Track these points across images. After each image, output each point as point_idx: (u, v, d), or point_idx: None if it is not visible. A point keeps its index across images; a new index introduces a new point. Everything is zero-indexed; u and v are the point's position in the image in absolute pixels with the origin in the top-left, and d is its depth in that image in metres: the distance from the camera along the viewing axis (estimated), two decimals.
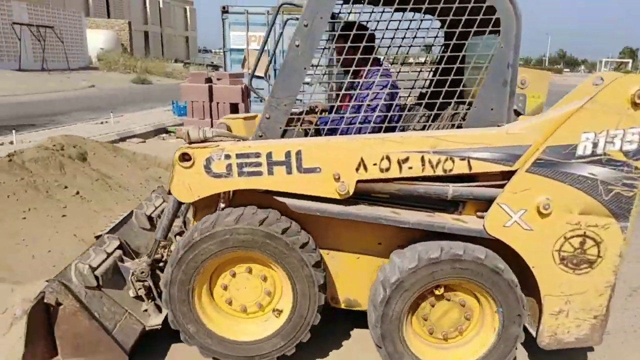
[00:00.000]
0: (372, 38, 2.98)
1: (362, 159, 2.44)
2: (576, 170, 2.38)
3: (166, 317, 2.68)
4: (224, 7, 9.82)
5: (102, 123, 9.48)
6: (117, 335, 2.54)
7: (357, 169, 2.44)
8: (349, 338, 3.09)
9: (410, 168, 2.43)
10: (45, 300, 2.36)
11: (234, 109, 8.83)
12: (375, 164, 2.44)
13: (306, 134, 3.06)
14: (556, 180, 2.40)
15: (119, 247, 2.99)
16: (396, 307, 2.49)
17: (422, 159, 2.42)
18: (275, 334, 2.61)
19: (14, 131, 8.25)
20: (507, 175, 2.45)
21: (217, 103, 8.88)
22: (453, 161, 2.42)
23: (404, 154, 2.43)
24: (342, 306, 2.89)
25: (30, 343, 2.30)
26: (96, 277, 2.65)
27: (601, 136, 2.33)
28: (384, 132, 2.61)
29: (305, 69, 2.50)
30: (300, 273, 2.51)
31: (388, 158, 2.42)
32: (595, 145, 2.34)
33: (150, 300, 2.82)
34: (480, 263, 2.45)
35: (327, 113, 3.50)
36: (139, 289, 2.79)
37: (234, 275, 2.63)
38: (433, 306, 2.62)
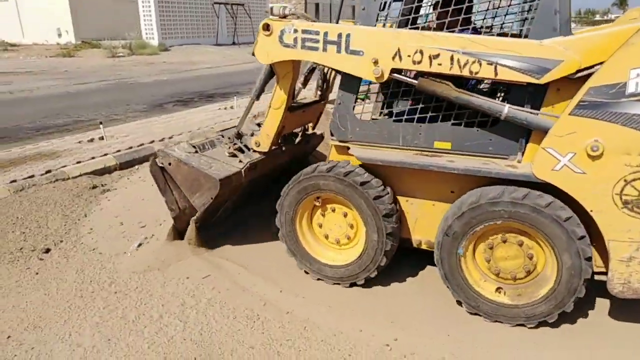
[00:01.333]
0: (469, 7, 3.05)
1: (398, 49, 2.75)
2: (629, 109, 2.28)
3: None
4: None
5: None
6: (211, 171, 3.35)
7: (393, 58, 2.78)
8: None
9: (440, 65, 2.65)
10: (158, 164, 3.47)
11: None
12: (409, 56, 2.73)
13: None
14: (605, 121, 2.34)
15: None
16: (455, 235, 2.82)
17: (452, 57, 2.62)
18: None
19: (235, 97, 9.72)
20: (534, 91, 2.51)
21: None
22: (480, 64, 2.56)
23: (435, 50, 2.66)
24: (424, 247, 3.30)
25: (164, 194, 3.50)
26: (193, 146, 3.57)
27: None
28: None
29: None
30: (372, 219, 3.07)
31: (421, 52, 2.69)
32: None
33: (243, 154, 3.57)
34: (518, 202, 2.59)
35: None
36: (234, 147, 3.58)
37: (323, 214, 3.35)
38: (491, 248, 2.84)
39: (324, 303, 3.13)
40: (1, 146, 6.41)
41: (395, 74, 2.85)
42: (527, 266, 2.79)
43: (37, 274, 3.44)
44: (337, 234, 3.34)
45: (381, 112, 3.44)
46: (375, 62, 2.82)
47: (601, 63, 2.34)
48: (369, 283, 3.28)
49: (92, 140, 6.25)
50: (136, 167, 5.53)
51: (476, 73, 2.59)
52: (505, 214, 2.65)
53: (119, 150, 5.67)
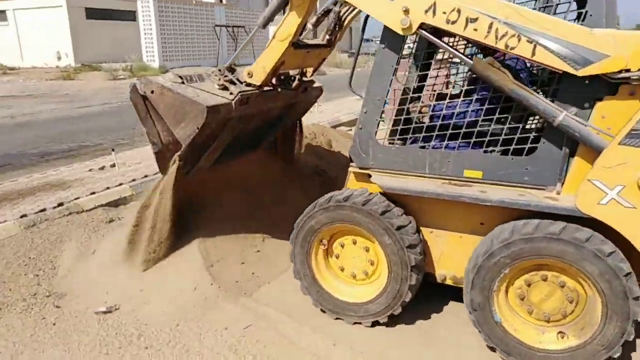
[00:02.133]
0: None
1: (434, 3, 2.50)
2: None
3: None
4: None
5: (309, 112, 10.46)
6: (198, 98, 3.08)
7: (426, 11, 2.53)
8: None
9: (475, 30, 2.43)
10: (139, 91, 3.16)
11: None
12: (444, 12, 2.48)
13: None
14: None
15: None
16: (487, 277, 2.59)
17: (491, 25, 2.39)
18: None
19: None
20: (566, 83, 2.34)
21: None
22: (519, 39, 2.34)
23: (475, 13, 2.42)
24: (449, 283, 3.07)
25: (145, 124, 3.20)
26: (179, 77, 3.26)
27: None
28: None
29: (392, 66, 2.82)
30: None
31: (459, 11, 2.45)
32: None
33: (234, 87, 3.30)
34: (579, 244, 2.36)
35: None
36: (225, 79, 3.29)
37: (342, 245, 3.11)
38: (529, 285, 2.61)
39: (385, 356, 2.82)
40: (6, 175, 6.04)
41: (422, 31, 2.60)
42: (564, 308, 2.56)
43: (54, 324, 3.04)
44: (355, 269, 3.10)
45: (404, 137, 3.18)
46: (406, 11, 2.56)
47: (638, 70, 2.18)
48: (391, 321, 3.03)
49: (103, 168, 5.87)
50: None
51: (512, 48, 2.37)
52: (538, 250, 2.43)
53: (134, 179, 5.28)
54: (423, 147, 2.87)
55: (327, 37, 3.60)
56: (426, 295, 3.16)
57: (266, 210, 4.18)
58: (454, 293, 3.07)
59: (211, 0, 28.63)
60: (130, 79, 19.02)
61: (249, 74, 3.31)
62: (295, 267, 3.19)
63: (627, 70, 2.21)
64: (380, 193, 2.93)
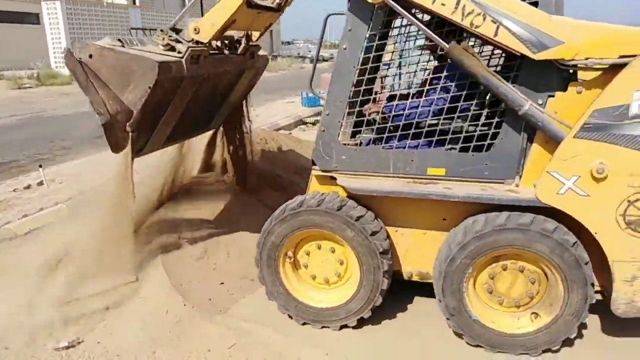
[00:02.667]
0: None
1: None
2: (632, 130, 2.31)
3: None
4: None
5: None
6: (145, 54, 2.86)
7: None
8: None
9: (443, 5, 2.45)
10: (74, 57, 2.82)
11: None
12: None
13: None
14: (609, 143, 2.35)
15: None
16: (454, 281, 2.68)
17: (459, 1, 2.43)
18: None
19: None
20: (520, 65, 2.46)
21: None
22: (484, 19, 2.40)
23: None
24: (416, 279, 3.13)
25: (87, 92, 2.85)
26: (119, 40, 2.98)
27: None
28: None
29: (353, 67, 2.82)
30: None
31: None
32: None
33: (182, 45, 3.03)
34: (525, 228, 2.51)
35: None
36: (170, 39, 3.03)
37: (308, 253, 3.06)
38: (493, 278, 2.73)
39: None
40: None
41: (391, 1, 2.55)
42: (530, 292, 2.72)
43: None
44: (326, 273, 3.06)
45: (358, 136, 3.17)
46: None
47: (588, 59, 2.37)
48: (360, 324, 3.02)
49: (29, 186, 5.24)
50: None
51: (476, 27, 2.43)
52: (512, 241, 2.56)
53: (70, 198, 4.75)
54: (388, 148, 2.89)
55: (277, 1, 3.39)
56: (399, 297, 3.21)
57: (226, 227, 4.01)
58: (423, 289, 3.14)
59: (123, 1, 27.21)
60: (38, 88, 17.53)
61: (195, 29, 3.04)
62: (267, 289, 3.08)
63: (575, 60, 2.37)
64: (348, 197, 2.92)
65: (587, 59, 2.36)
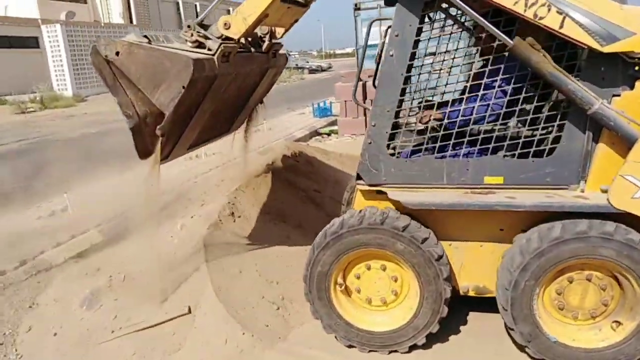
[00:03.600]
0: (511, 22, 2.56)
1: None
2: None
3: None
4: (356, 5, 10.29)
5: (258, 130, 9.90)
6: (179, 52, 2.64)
7: None
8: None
9: None
10: (100, 54, 2.62)
11: None
12: None
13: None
14: None
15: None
16: (525, 287, 2.52)
17: None
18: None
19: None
20: (590, 60, 2.32)
21: (371, 100, 9.09)
22: (549, 9, 2.26)
23: None
24: (472, 294, 2.97)
25: (116, 94, 2.66)
26: (145, 36, 2.80)
27: None
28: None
29: (402, 75, 2.69)
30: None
31: None
32: None
33: (212, 42, 2.83)
34: (610, 238, 2.36)
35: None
36: (199, 35, 2.82)
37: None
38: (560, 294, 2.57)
39: None
40: None
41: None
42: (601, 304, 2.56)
43: None
44: (382, 293, 2.91)
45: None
46: None
47: None
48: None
49: (53, 213, 5.05)
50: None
51: (540, 19, 2.28)
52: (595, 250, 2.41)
53: (99, 224, 4.59)
54: (441, 157, 2.75)
55: None
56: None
57: (273, 250, 3.86)
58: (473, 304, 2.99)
59: (120, 21, 27.26)
60: (42, 111, 17.45)
61: (225, 24, 2.84)
62: (323, 322, 2.93)
63: None
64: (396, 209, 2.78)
65: None
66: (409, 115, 2.82)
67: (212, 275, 3.30)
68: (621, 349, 2.52)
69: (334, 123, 10.32)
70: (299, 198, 4.84)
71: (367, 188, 2.91)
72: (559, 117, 2.54)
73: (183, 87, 2.61)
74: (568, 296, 2.58)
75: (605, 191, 2.46)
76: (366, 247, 2.77)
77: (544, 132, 2.61)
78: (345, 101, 9.02)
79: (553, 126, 2.56)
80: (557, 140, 2.56)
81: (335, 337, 2.96)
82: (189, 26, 2.89)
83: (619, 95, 2.38)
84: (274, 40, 3.56)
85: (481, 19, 2.42)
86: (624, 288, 2.51)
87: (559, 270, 2.53)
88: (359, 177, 2.93)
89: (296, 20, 3.58)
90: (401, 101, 2.80)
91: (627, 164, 2.32)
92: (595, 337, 2.58)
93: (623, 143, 2.38)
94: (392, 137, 2.81)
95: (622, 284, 2.50)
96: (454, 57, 2.91)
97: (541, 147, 2.59)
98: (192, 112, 2.98)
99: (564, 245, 2.44)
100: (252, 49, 3.33)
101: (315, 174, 5.43)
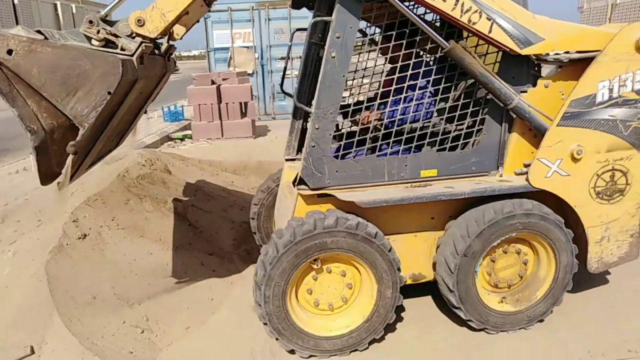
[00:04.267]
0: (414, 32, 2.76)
1: None
2: (598, 115, 2.71)
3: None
4: None
5: None
6: (97, 51, 2.27)
7: None
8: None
9: (444, 1, 2.51)
10: None
11: (244, 108, 8.84)
12: None
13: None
14: (583, 127, 2.72)
15: None
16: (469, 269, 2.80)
17: None
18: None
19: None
20: (506, 59, 2.73)
21: (227, 104, 8.76)
22: (480, 16, 2.53)
23: None
24: (409, 282, 3.14)
25: (13, 104, 2.12)
26: (39, 31, 2.21)
27: (615, 82, 2.65)
28: None
29: (343, 76, 2.67)
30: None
31: None
32: (610, 90, 2.67)
33: (123, 40, 2.41)
34: (530, 213, 2.77)
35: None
36: (107, 32, 2.36)
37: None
38: (494, 262, 2.94)
39: None
40: None
41: None
42: (522, 272, 2.99)
43: None
44: (331, 298, 2.86)
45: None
46: None
47: (561, 53, 2.73)
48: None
49: None
50: None
51: (473, 24, 2.54)
52: (520, 225, 2.78)
53: None
54: (384, 155, 2.83)
55: None
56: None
57: (132, 268, 3.51)
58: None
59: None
60: None
61: (138, 21, 2.43)
62: (263, 309, 2.72)
63: (556, 53, 2.67)
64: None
65: (560, 53, 2.68)
66: (350, 117, 2.83)
67: (58, 306, 2.93)
68: (536, 309, 3.00)
69: (187, 127, 9.75)
70: (157, 209, 4.48)
71: (310, 193, 2.83)
72: (480, 112, 2.86)
73: (109, 92, 2.15)
74: (497, 271, 2.96)
75: (519, 174, 2.88)
76: (336, 251, 2.70)
77: (469, 127, 2.90)
78: (200, 105, 8.57)
79: (476, 121, 2.87)
80: (479, 133, 2.88)
81: (280, 343, 2.83)
82: (90, 22, 2.34)
83: (526, 92, 2.79)
84: (171, 42, 3.15)
85: (421, 22, 2.57)
86: (539, 255, 2.97)
87: (491, 248, 2.86)
88: (301, 182, 2.83)
89: (197, 21, 3.24)
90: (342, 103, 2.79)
91: (542, 149, 2.74)
92: (519, 301, 3.01)
93: (532, 132, 2.82)
94: (335, 139, 2.78)
95: (538, 252, 2.96)
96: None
97: (467, 140, 2.88)
98: (106, 123, 2.47)
99: (497, 225, 2.76)
100: (157, 51, 2.90)
101: (174, 182, 5.10)
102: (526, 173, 2.82)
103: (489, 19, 2.54)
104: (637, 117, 2.72)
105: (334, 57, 2.63)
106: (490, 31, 2.56)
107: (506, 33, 2.56)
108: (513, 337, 2.98)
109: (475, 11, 2.52)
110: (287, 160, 3.57)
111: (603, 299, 3.30)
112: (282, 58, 12.28)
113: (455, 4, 2.50)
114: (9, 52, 2.04)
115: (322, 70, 2.66)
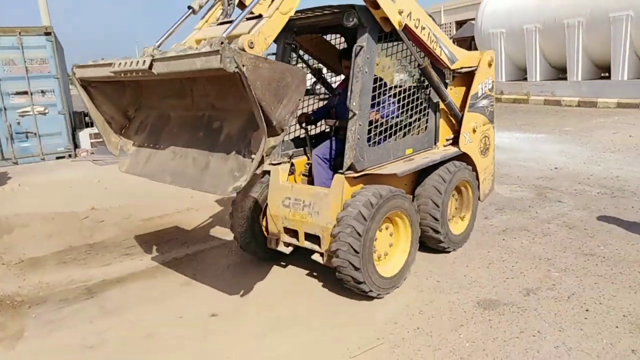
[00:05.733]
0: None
1: (411, 11, 3.67)
2: (479, 104, 4.63)
3: None
4: None
5: None
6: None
7: (407, 15, 3.63)
8: None
9: (424, 35, 3.82)
10: (227, 68, 2.31)
11: None
12: (415, 19, 3.71)
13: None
14: (475, 112, 4.59)
15: None
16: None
17: (429, 33, 3.87)
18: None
19: None
20: (441, 72, 4.34)
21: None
22: (437, 44, 4.00)
23: (424, 23, 3.81)
24: None
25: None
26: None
27: (483, 84, 4.63)
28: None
29: (372, 86, 3.69)
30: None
31: (418, 20, 3.75)
32: (482, 89, 4.63)
33: None
34: (464, 168, 4.46)
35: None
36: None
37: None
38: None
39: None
40: None
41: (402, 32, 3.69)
42: (461, 202, 4.66)
43: None
44: (385, 248, 3.79)
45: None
46: (400, 12, 3.58)
47: (462, 68, 4.52)
48: None
49: None
50: None
51: (434, 49, 3.98)
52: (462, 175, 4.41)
53: None
54: (389, 143, 3.96)
55: None
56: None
57: None
58: None
59: None
60: None
61: (250, 43, 2.84)
62: (360, 260, 3.53)
63: (461, 68, 4.43)
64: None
65: (462, 67, 4.45)
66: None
67: None
68: (466, 230, 4.69)
69: None
70: None
71: (355, 175, 3.68)
72: (427, 107, 4.36)
73: (300, 100, 2.63)
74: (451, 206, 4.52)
75: (446, 146, 4.52)
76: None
77: (421, 118, 4.35)
78: None
79: (425, 113, 4.35)
80: (427, 121, 4.37)
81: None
82: (221, 43, 2.66)
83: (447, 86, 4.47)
84: None
85: (411, 47, 3.89)
86: (463, 195, 4.67)
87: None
88: (349, 169, 3.64)
89: None
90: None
91: (463, 127, 4.45)
92: (456, 225, 4.64)
93: (449, 118, 4.51)
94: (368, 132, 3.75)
95: (462, 193, 4.66)
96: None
97: (421, 127, 4.34)
98: None
99: (454, 177, 4.30)
100: None
101: None
102: (451, 144, 4.49)
103: (440, 47, 4.09)
104: (492, 104, 4.79)
105: (366, 72, 3.63)
106: (441, 54, 4.11)
107: (446, 56, 4.17)
108: None
109: (434, 41, 4.02)
110: (272, 164, 4.16)
111: None
112: (18, 93, 10.70)
113: (428, 37, 3.94)
114: (243, 65, 2.33)
115: (360, 82, 3.59)
